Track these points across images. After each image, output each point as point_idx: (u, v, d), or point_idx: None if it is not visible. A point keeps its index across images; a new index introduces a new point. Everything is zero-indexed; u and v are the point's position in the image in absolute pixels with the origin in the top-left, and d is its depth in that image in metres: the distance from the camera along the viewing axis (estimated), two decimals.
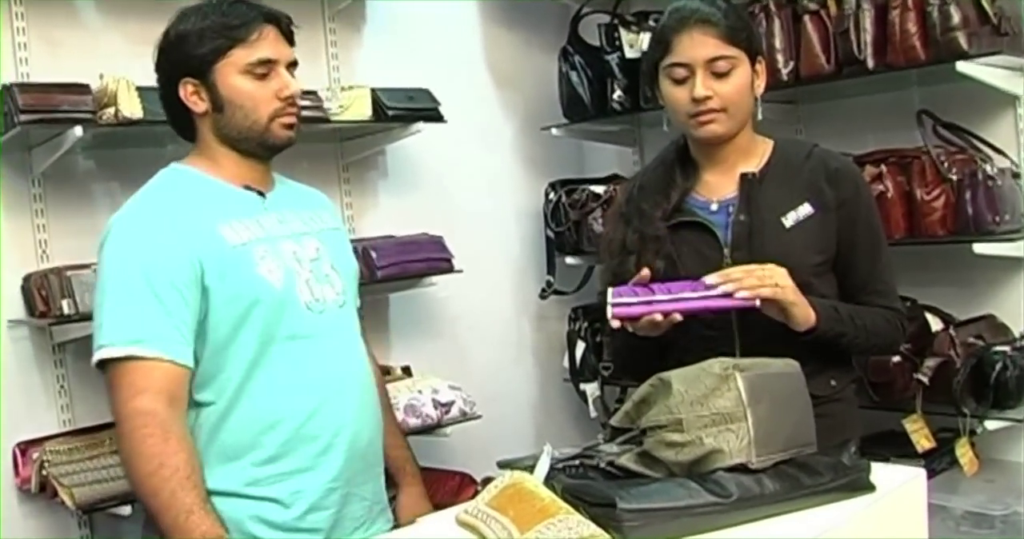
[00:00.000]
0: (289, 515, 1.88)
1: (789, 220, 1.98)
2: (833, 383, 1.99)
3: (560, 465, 1.61)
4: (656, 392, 1.61)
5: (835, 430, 1.80)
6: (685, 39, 1.95)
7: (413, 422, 3.06)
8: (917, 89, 3.09)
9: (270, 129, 1.94)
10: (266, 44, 1.91)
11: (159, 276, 1.79)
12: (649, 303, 1.85)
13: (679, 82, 1.97)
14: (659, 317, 1.83)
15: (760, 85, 2.03)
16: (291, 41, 1.99)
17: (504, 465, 1.68)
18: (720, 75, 1.94)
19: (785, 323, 1.87)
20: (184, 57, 1.91)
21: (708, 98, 1.93)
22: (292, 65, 1.98)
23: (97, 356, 1.79)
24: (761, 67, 2.03)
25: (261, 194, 2.01)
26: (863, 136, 3.15)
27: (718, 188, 2.05)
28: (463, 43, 3.78)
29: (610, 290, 1.89)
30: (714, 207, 2.03)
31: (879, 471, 1.62)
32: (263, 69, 1.91)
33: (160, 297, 1.79)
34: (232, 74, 1.90)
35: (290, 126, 1.98)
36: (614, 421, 1.69)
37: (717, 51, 1.93)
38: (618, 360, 2.21)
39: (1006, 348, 2.72)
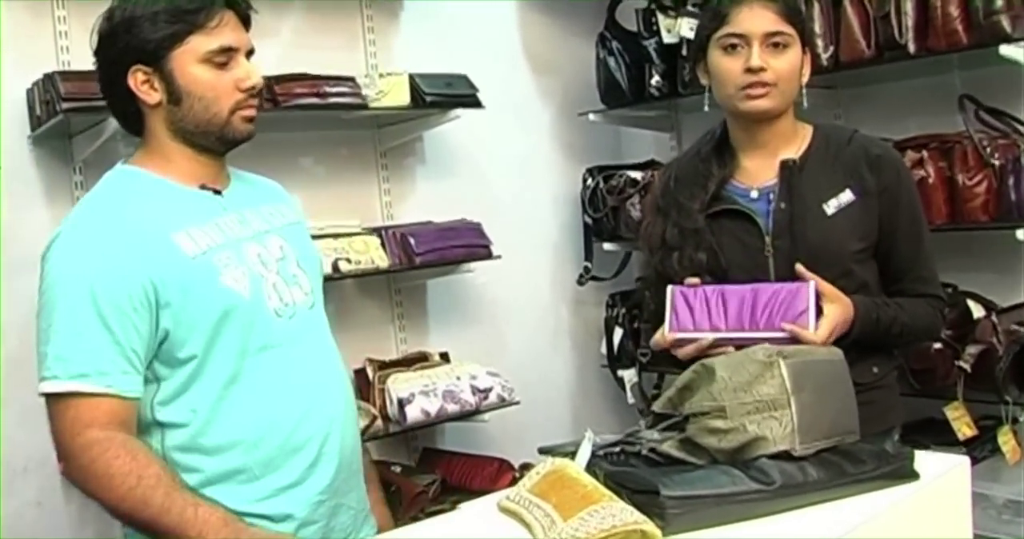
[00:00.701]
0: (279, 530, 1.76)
1: (831, 207, 1.97)
2: (875, 370, 1.98)
3: (601, 452, 1.60)
4: (699, 378, 1.61)
5: (877, 417, 1.80)
6: (745, 10, 1.94)
7: (452, 408, 3.07)
8: (959, 73, 3.05)
9: (231, 123, 1.78)
10: (227, 31, 1.75)
11: (108, 300, 1.65)
12: (705, 334, 1.85)
13: (732, 53, 1.95)
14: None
15: (806, 73, 2.02)
16: (248, 26, 1.83)
17: (545, 451, 1.68)
18: (776, 51, 1.93)
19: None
20: (136, 43, 1.72)
21: (762, 70, 1.92)
22: (250, 53, 1.82)
23: (41, 389, 1.67)
24: (807, 57, 2.03)
25: (218, 193, 1.84)
26: (904, 121, 3.11)
27: (758, 175, 2.03)
28: (500, 29, 3.77)
29: (668, 318, 1.90)
30: (754, 194, 2.02)
31: (923, 459, 1.60)
32: (223, 57, 1.75)
33: (108, 324, 1.65)
34: (191, 62, 1.73)
35: (251, 119, 1.82)
36: (656, 407, 1.68)
37: (776, 26, 1.93)
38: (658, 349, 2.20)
39: None
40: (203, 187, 1.83)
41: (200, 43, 1.74)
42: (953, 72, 3.05)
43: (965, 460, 1.68)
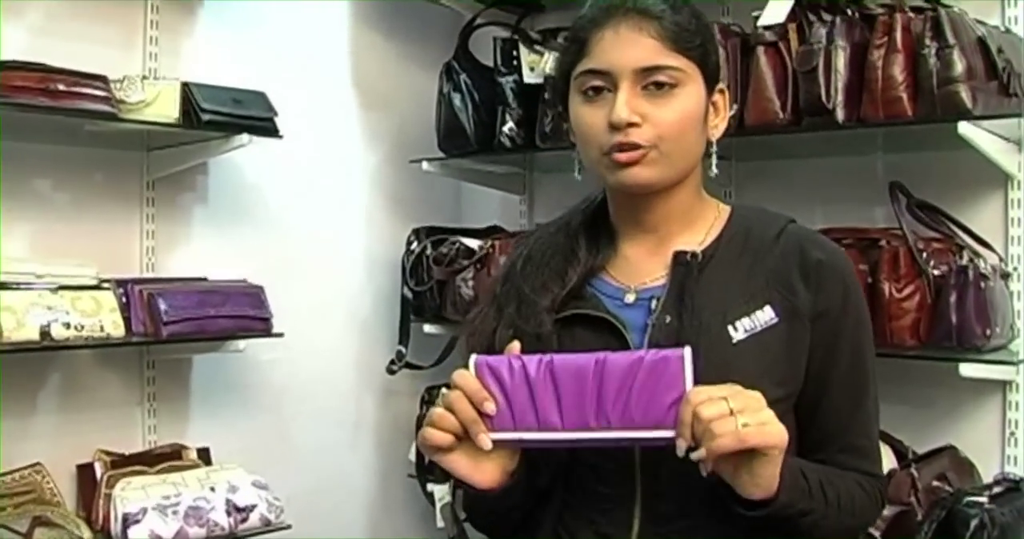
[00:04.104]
0: None
1: (739, 330, 1.29)
2: None
3: None
4: None
5: None
6: (609, 36, 1.29)
7: (195, 532, 2.30)
8: (882, 155, 2.48)
9: None
10: None
11: None
12: (532, 434, 1.21)
13: (594, 99, 1.31)
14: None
15: (719, 125, 1.37)
16: None
17: None
18: (656, 94, 1.28)
19: (731, 485, 1.19)
20: None
21: (634, 126, 1.27)
22: None
23: None
24: (723, 98, 1.37)
25: None
26: (810, 207, 2.53)
27: (641, 270, 1.38)
28: (327, 47, 3.09)
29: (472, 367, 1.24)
30: (630, 298, 1.36)
31: None
32: None
33: None
34: None
35: None
36: None
37: (655, 57, 1.27)
38: (465, 500, 1.47)
39: (982, 498, 2.06)
40: None
41: None
42: (875, 153, 2.48)
43: None
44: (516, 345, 1.27)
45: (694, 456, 1.14)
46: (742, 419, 1.13)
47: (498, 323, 1.39)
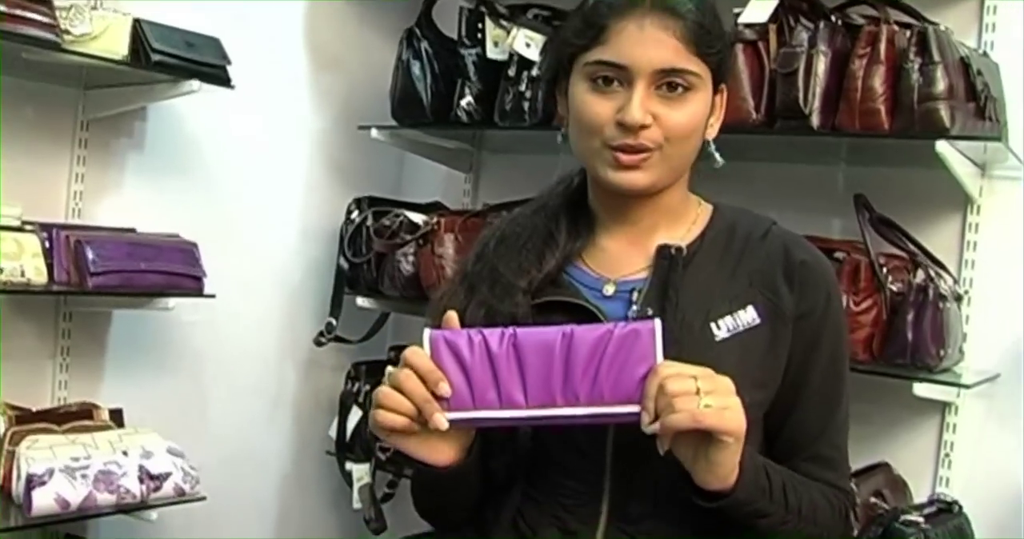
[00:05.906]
0: None
1: (722, 329, 1.28)
2: None
3: None
4: None
5: None
6: (632, 29, 1.24)
7: (104, 499, 2.17)
8: (845, 166, 2.46)
9: None
10: None
11: None
12: (493, 412, 1.16)
13: (603, 89, 1.26)
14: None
15: (714, 124, 1.36)
16: None
17: None
18: (670, 96, 1.25)
19: (690, 472, 1.17)
20: None
21: (644, 128, 1.23)
22: None
23: None
24: (721, 100, 1.35)
25: None
26: (765, 212, 2.45)
27: (621, 261, 1.35)
28: (282, 1, 2.92)
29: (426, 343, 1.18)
30: (609, 290, 1.33)
31: None
32: None
33: None
34: None
35: None
36: None
37: (676, 60, 1.24)
38: (415, 483, 1.40)
39: (918, 518, 2.05)
40: None
41: None
42: (838, 163, 2.45)
43: None
44: (453, 315, 1.21)
45: (649, 429, 1.12)
46: (706, 400, 1.10)
47: (469, 302, 1.34)
